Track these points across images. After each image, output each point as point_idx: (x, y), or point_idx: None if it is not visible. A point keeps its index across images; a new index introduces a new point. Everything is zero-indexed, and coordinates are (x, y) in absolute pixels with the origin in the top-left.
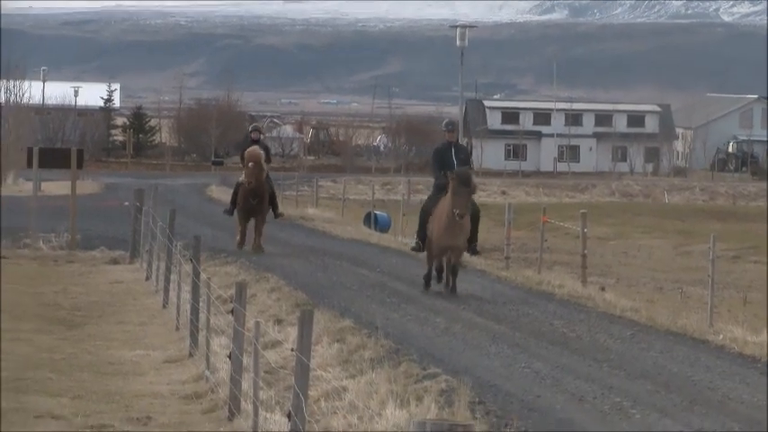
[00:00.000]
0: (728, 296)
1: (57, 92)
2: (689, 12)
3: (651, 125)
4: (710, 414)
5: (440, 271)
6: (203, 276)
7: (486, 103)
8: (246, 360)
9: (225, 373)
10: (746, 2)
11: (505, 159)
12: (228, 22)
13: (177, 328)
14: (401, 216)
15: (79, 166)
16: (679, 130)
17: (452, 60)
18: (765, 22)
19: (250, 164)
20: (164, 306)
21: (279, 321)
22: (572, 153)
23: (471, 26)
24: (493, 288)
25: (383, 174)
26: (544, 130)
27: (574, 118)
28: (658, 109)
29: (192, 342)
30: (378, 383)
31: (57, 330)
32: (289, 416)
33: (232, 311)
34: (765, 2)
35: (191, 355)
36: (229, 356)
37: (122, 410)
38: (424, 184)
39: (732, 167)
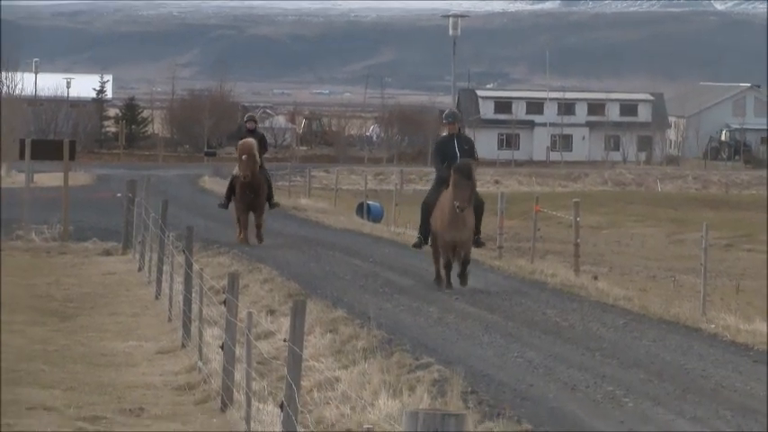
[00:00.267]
0: (721, 284)
1: (49, 83)
2: (681, 1)
3: (644, 114)
4: (703, 402)
5: (448, 268)
6: (196, 267)
7: (479, 92)
8: (239, 351)
9: (217, 363)
10: None
11: (498, 149)
12: (221, 12)
13: (170, 319)
14: (394, 206)
15: (71, 157)
16: (672, 119)
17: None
18: (759, 10)
19: (243, 156)
20: (156, 297)
21: (271, 312)
22: (565, 142)
23: (463, 15)
24: (486, 277)
25: (376, 164)
26: (537, 119)
27: (566, 107)
28: (651, 98)
29: (185, 333)
30: (370, 374)
31: (50, 322)
32: (281, 406)
33: (224, 302)
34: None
35: (183, 345)
36: (222, 347)
37: (115, 402)
38: (416, 174)
39: (725, 156)
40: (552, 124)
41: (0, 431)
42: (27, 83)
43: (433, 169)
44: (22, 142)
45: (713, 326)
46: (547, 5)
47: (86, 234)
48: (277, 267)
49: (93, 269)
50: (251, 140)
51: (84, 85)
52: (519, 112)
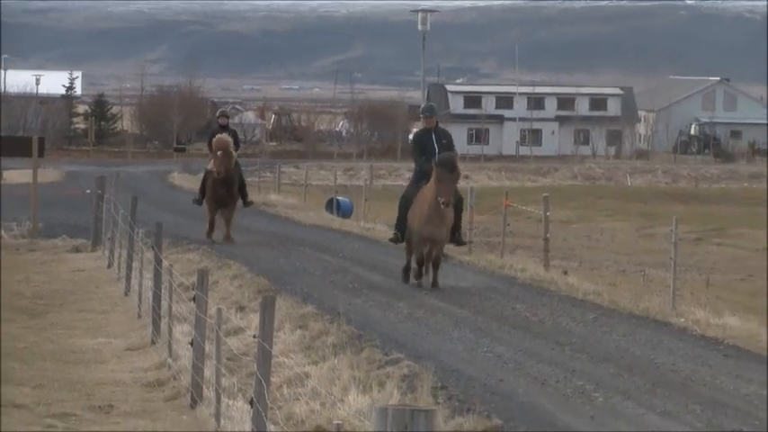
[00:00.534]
0: (691, 278)
1: (18, 80)
2: None
3: (613, 108)
4: (673, 396)
5: (421, 263)
6: (165, 263)
7: (449, 87)
8: (209, 347)
9: (187, 360)
10: None
11: (468, 143)
12: (191, 8)
13: (139, 316)
14: (363, 201)
15: (41, 154)
16: (641, 113)
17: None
18: (728, 4)
19: (218, 152)
20: (126, 294)
21: (241, 308)
22: (534, 137)
23: (433, 11)
24: (455, 272)
25: (345, 159)
26: (506, 113)
27: (536, 101)
28: (620, 92)
29: (154, 329)
30: (340, 369)
31: (19, 319)
32: (251, 402)
33: (194, 299)
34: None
35: (153, 342)
36: (191, 344)
37: (84, 399)
38: (386, 170)
39: (694, 150)
40: (522, 119)
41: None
42: None
43: (402, 164)
44: None
45: (683, 320)
46: (516, 0)
47: (56, 231)
48: (246, 263)
49: (62, 266)
50: (226, 136)
51: (53, 82)
52: (488, 106)
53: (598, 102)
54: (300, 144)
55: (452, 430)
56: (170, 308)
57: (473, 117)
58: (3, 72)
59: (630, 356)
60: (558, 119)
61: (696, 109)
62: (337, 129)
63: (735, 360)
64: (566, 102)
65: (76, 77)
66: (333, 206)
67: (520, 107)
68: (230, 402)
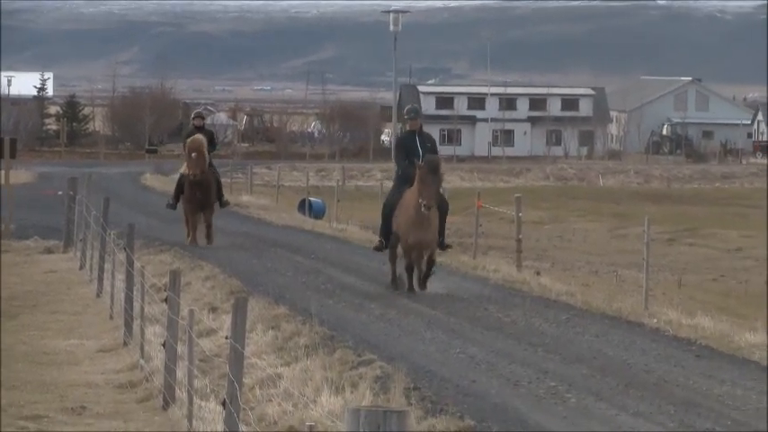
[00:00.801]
0: (663, 279)
1: None
2: None
3: (585, 109)
4: (646, 397)
5: (410, 270)
6: (137, 265)
7: (421, 88)
8: (181, 348)
9: (159, 361)
10: None
11: (440, 144)
12: (161, 9)
13: (111, 317)
14: (336, 202)
15: (12, 155)
16: (613, 114)
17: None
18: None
19: (193, 154)
20: (98, 295)
21: (213, 309)
22: (506, 137)
23: (404, 11)
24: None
25: (317, 160)
26: (478, 114)
27: (508, 102)
28: (592, 92)
29: (127, 331)
30: (313, 371)
31: None
32: (223, 404)
33: (166, 300)
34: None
35: (125, 344)
36: (164, 345)
37: (57, 400)
38: (358, 170)
39: (666, 150)
40: (494, 119)
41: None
42: None
43: (374, 165)
44: None
45: (656, 320)
46: (488, 0)
47: (28, 232)
48: (219, 265)
49: (34, 267)
50: (200, 137)
51: (24, 83)
52: (460, 107)
53: (570, 102)
54: (272, 145)
55: (425, 431)
56: (142, 309)
57: (445, 118)
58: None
59: (603, 357)
60: (531, 119)
61: (668, 109)
62: (309, 130)
63: (707, 360)
64: (538, 102)
65: (48, 79)
66: (305, 207)
67: (492, 108)
68: (203, 403)
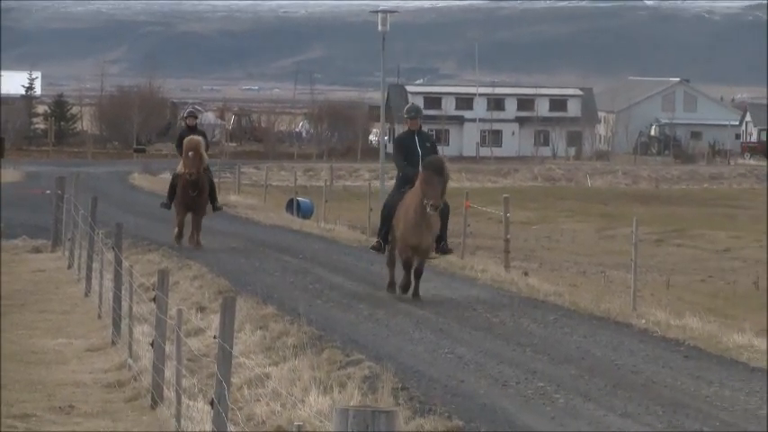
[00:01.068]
0: (651, 279)
1: None
2: None
3: (573, 109)
4: (634, 398)
5: (408, 266)
6: (125, 264)
7: (409, 88)
8: (169, 348)
9: (147, 361)
10: None
11: None
12: (150, 8)
13: (99, 317)
14: (324, 202)
15: (0, 154)
16: (601, 114)
17: (374, 45)
18: (688, 5)
19: (190, 153)
20: (86, 294)
21: (201, 309)
22: (494, 138)
23: (392, 11)
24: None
25: (305, 160)
26: (466, 114)
27: (496, 102)
28: (580, 93)
29: (115, 330)
30: (301, 370)
31: None
32: (212, 403)
33: (154, 299)
34: None
35: (113, 343)
36: (152, 344)
37: (45, 399)
38: (346, 170)
39: (654, 151)
40: (482, 120)
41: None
42: None
43: (362, 165)
44: None
45: (644, 321)
46: (476, 0)
47: (16, 231)
48: (207, 264)
49: (22, 267)
50: (198, 138)
51: (12, 82)
52: (448, 107)
53: (558, 103)
54: (260, 145)
55: (413, 431)
56: (130, 308)
57: (433, 118)
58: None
59: (591, 358)
60: (519, 120)
61: (656, 110)
62: (297, 129)
63: (695, 361)
64: (526, 103)
65: (36, 78)
66: (293, 207)
67: (480, 108)
68: (191, 403)
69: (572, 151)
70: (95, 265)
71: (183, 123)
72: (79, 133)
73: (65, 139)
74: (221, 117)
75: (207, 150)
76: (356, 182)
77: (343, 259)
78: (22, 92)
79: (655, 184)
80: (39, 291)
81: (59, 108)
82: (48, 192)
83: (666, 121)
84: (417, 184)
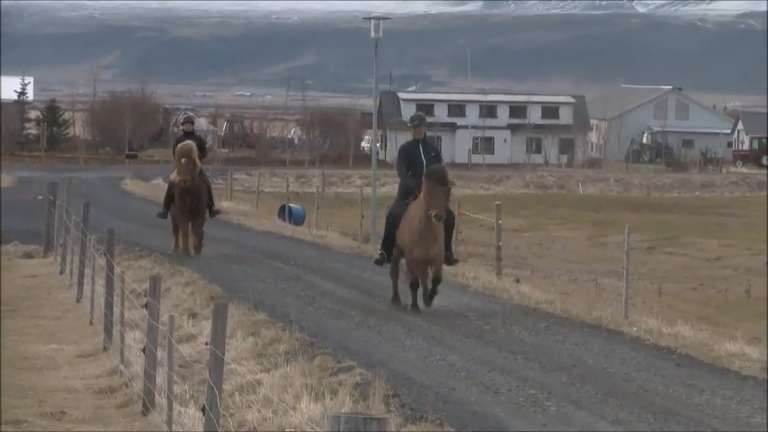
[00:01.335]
0: (643, 287)
1: None
2: (603, 3)
3: (565, 116)
4: (625, 405)
5: (415, 287)
6: (117, 270)
7: (401, 94)
8: (161, 354)
9: (139, 367)
10: None
11: None
12: (143, 14)
13: (91, 323)
14: (315, 209)
15: None
16: (593, 122)
17: (367, 52)
18: (681, 12)
19: (183, 160)
20: (78, 300)
21: (193, 315)
22: (486, 145)
23: (385, 18)
24: (407, 280)
25: (298, 166)
26: (459, 121)
27: (488, 109)
28: (572, 100)
29: (107, 336)
30: (292, 377)
31: None
32: (203, 410)
33: (146, 305)
34: None
35: (105, 349)
36: (143, 350)
37: (36, 405)
38: (338, 177)
39: (646, 159)
40: (474, 127)
41: None
42: None
43: (354, 172)
44: None
45: (635, 329)
46: (468, 7)
47: (8, 237)
48: (199, 270)
49: (14, 272)
50: (190, 143)
51: (5, 88)
52: (441, 114)
53: (550, 110)
54: (252, 151)
55: None
56: (122, 315)
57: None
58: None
59: (583, 365)
60: (511, 127)
61: (648, 118)
62: (289, 136)
63: (687, 369)
64: (518, 110)
65: (28, 83)
66: (285, 213)
67: (472, 115)
68: (182, 409)
69: (564, 159)
70: (87, 271)
71: (175, 129)
72: (71, 139)
73: (57, 145)
74: (213, 123)
75: (204, 155)
76: (348, 188)
77: (335, 266)
78: (15, 97)
79: (646, 192)
80: (30, 296)
81: (52, 113)
82: (40, 197)
83: (658, 128)
84: (421, 194)
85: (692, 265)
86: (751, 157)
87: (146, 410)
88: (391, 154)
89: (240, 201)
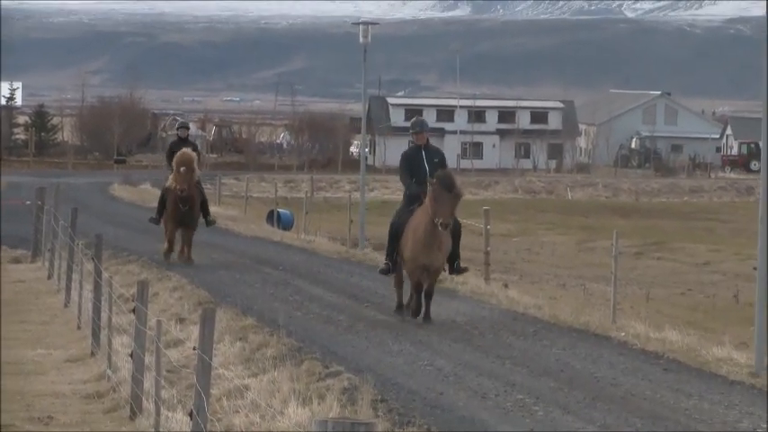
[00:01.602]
0: (631, 292)
1: None
2: (592, 8)
3: (554, 122)
4: (613, 410)
5: (419, 289)
6: (105, 275)
7: (390, 100)
8: (148, 359)
9: (127, 372)
10: None
11: None
12: (132, 19)
13: (79, 327)
14: (304, 214)
15: None
16: (582, 127)
17: (355, 57)
18: (670, 18)
19: (182, 168)
20: (65, 305)
21: (181, 320)
22: (475, 150)
23: (374, 23)
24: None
25: (286, 171)
26: (447, 126)
27: (477, 115)
28: (561, 105)
29: (94, 341)
30: (280, 382)
31: None
32: (191, 415)
33: (134, 310)
34: None
35: (92, 354)
36: (131, 355)
37: (24, 410)
38: (327, 182)
39: (635, 164)
40: (463, 132)
41: None
42: None
43: (342, 177)
44: None
45: (623, 334)
46: (457, 13)
47: None
48: (186, 275)
49: (2, 277)
50: (190, 152)
51: None
52: (429, 119)
53: (539, 115)
54: (241, 156)
55: None
56: (110, 319)
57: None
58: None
59: (571, 370)
60: (499, 132)
61: (637, 123)
62: (278, 141)
63: (675, 374)
64: (507, 115)
65: (17, 88)
66: (273, 218)
67: (461, 120)
68: (170, 414)
69: (553, 164)
70: (75, 276)
71: (163, 134)
72: (60, 144)
73: (45, 150)
74: (202, 128)
75: (199, 162)
76: (337, 193)
77: (324, 271)
78: (3, 102)
79: (635, 197)
80: (18, 301)
81: (40, 118)
82: (28, 202)
83: (647, 134)
84: (426, 201)
85: (680, 270)
86: (740, 163)
87: (133, 415)
88: (380, 159)
89: (229, 206)
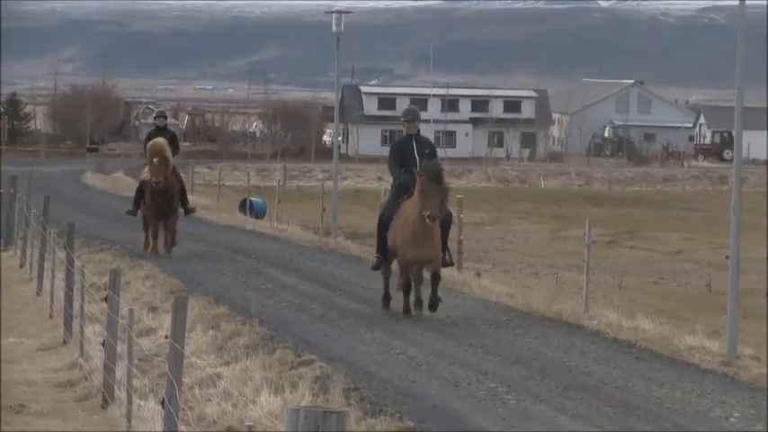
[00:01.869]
0: (604, 281)
1: None
2: None
3: (527, 111)
4: (585, 399)
5: (407, 289)
6: (77, 263)
7: (363, 88)
8: (120, 347)
9: (99, 360)
10: None
11: (382, 145)
12: (104, 8)
13: (51, 316)
14: (277, 202)
15: None
16: (555, 116)
17: (329, 46)
18: (643, 7)
19: (155, 160)
20: (38, 294)
21: (153, 309)
22: (448, 139)
23: (347, 12)
24: (368, 274)
25: (259, 160)
26: (421, 115)
27: (450, 103)
28: (535, 94)
29: (66, 330)
30: (252, 370)
31: None
32: (162, 403)
33: (106, 299)
34: None
35: (64, 342)
36: (103, 344)
37: None
38: (300, 171)
39: (608, 152)
40: (436, 121)
41: None
42: None
43: (315, 165)
44: None
45: (596, 322)
46: (431, 2)
47: None
48: (159, 264)
49: None
50: (161, 141)
51: None
52: (403, 108)
53: (512, 104)
54: (214, 144)
55: None
56: (82, 308)
57: (387, 119)
58: None
59: (543, 359)
60: (472, 121)
61: (610, 112)
62: (251, 129)
63: (647, 363)
64: (480, 104)
65: None
66: (246, 207)
67: (434, 109)
68: (142, 403)
69: (526, 153)
70: (47, 265)
71: (135, 123)
72: (32, 132)
73: (18, 138)
74: (175, 117)
75: (177, 151)
76: (310, 182)
77: (296, 259)
78: None
79: (608, 186)
80: None
81: (12, 107)
82: (0, 191)
83: (620, 122)
84: (415, 193)
85: (652, 258)
86: (713, 151)
87: (105, 404)
88: (353, 148)
89: (201, 194)
